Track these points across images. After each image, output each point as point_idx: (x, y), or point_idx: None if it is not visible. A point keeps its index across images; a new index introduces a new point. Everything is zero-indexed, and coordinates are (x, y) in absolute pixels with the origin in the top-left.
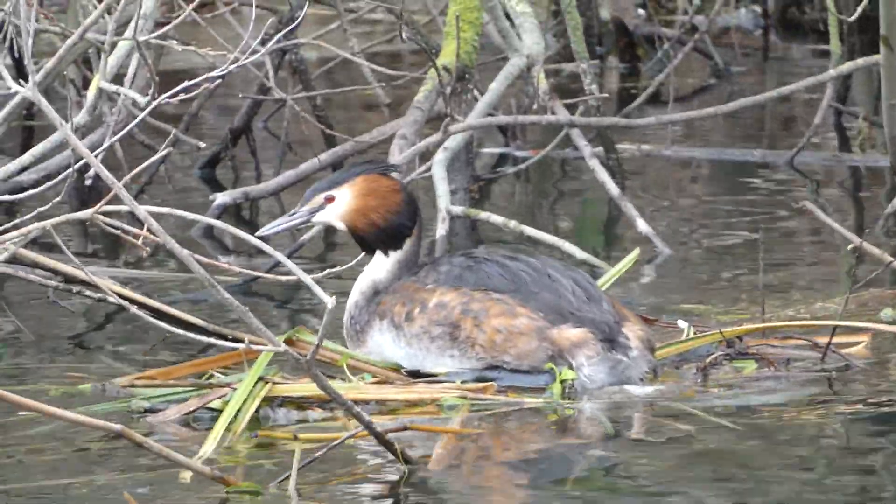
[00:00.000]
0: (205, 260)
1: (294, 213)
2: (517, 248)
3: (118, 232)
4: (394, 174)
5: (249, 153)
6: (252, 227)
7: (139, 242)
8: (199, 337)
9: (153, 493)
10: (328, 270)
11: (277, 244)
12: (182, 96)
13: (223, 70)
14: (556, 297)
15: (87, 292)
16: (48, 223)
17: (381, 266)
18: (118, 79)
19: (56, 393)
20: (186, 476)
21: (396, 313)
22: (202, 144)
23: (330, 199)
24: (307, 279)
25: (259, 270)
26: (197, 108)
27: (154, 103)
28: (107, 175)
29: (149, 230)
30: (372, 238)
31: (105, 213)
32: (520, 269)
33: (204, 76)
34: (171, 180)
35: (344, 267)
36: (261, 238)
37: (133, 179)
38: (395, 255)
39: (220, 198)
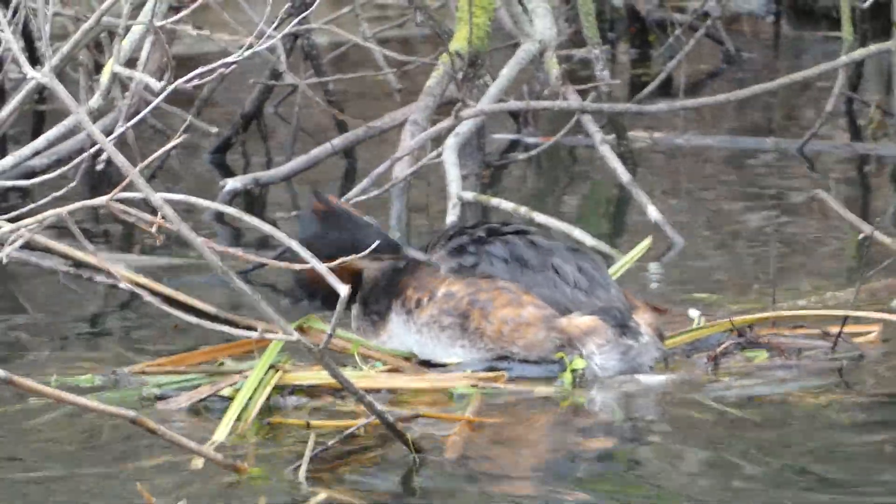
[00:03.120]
0: (218, 248)
1: None
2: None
3: (133, 219)
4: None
5: (261, 138)
6: (263, 212)
7: (153, 230)
8: (210, 325)
9: (165, 480)
10: (342, 259)
11: (288, 231)
12: (196, 81)
13: (239, 56)
14: (564, 284)
15: (99, 278)
16: (64, 210)
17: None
18: (128, 63)
19: (56, 384)
20: (198, 463)
21: (408, 297)
22: (214, 129)
23: None
24: (321, 267)
25: (268, 256)
26: (209, 93)
27: (170, 88)
28: (123, 162)
29: (163, 217)
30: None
31: (119, 200)
32: (524, 255)
33: (220, 62)
34: (182, 165)
35: (354, 256)
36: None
37: (147, 166)
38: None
39: (231, 183)
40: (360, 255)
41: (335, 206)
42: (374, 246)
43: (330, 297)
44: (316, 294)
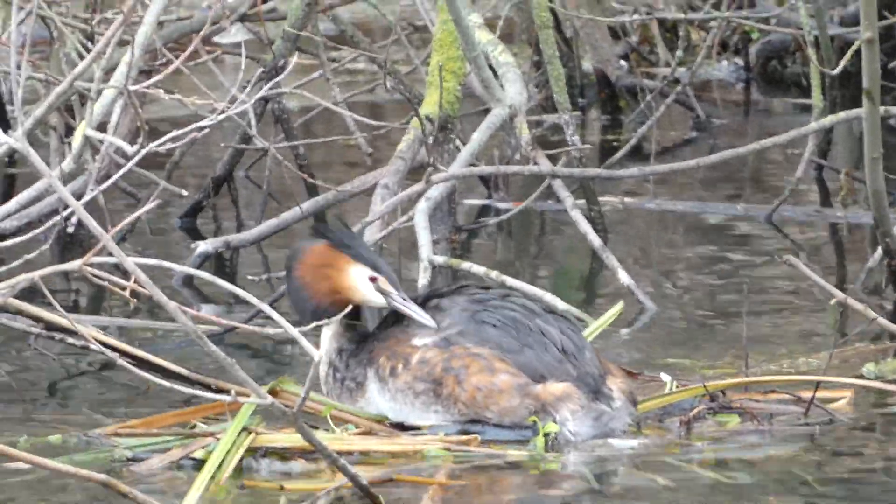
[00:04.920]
0: (192, 312)
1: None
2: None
3: (106, 283)
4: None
5: (231, 202)
6: (233, 276)
7: (127, 294)
8: (183, 388)
9: None
10: (315, 323)
11: (258, 294)
12: (168, 145)
13: (212, 121)
14: (542, 350)
15: (70, 340)
16: (36, 274)
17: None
18: (98, 127)
19: (25, 445)
20: None
21: (381, 366)
22: (184, 193)
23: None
24: (294, 331)
25: (239, 320)
26: (179, 156)
27: (143, 152)
28: (96, 227)
29: (136, 282)
30: None
31: (92, 264)
32: (509, 319)
33: (192, 126)
34: (152, 229)
35: (332, 319)
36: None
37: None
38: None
39: (202, 246)
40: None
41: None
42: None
43: (328, 312)
44: (317, 312)
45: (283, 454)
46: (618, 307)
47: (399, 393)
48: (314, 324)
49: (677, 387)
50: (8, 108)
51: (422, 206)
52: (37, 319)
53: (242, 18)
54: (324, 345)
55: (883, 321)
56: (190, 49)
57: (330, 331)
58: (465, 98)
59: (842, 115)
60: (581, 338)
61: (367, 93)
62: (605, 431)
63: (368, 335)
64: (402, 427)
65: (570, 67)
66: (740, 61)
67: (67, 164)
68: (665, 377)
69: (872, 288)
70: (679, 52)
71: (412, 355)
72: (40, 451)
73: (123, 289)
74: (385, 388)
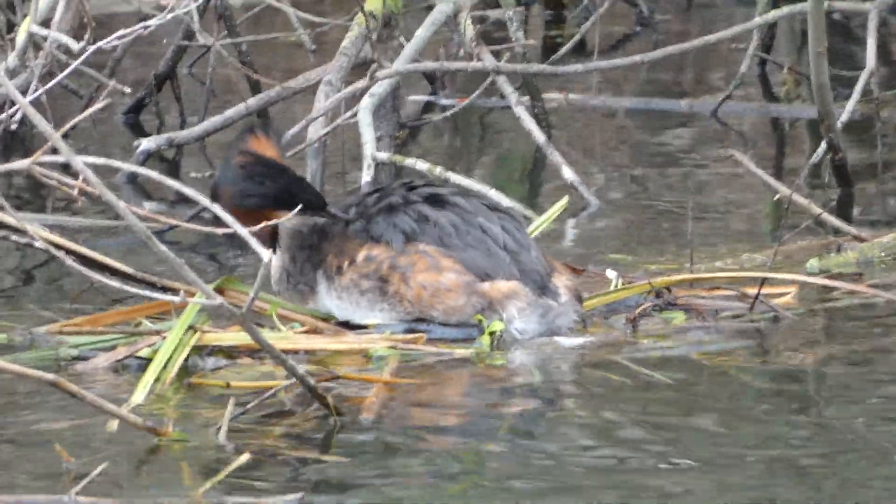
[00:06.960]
0: (140, 211)
1: None
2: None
3: (54, 183)
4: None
5: (174, 99)
6: (176, 173)
7: (75, 193)
8: (131, 288)
9: (80, 442)
10: (265, 223)
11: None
12: (115, 43)
13: (159, 19)
14: (486, 249)
15: (14, 237)
16: None
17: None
18: (42, 24)
19: None
20: (113, 425)
21: (329, 265)
22: (127, 90)
23: None
24: (242, 231)
25: (180, 217)
26: (122, 53)
27: (90, 49)
28: (45, 126)
29: (84, 181)
30: None
31: (40, 163)
32: (449, 219)
33: (139, 25)
34: (95, 126)
35: (281, 220)
36: None
37: (58, 126)
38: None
39: (145, 143)
40: (287, 210)
41: (263, 157)
42: (301, 204)
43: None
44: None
45: (230, 353)
46: (562, 202)
47: (345, 291)
48: (262, 225)
49: (623, 284)
50: None
51: (366, 103)
52: None
53: None
54: (282, 239)
55: (827, 216)
56: None
57: (287, 228)
58: None
59: (786, 9)
60: (526, 236)
61: None
62: (551, 328)
63: (322, 238)
64: (348, 326)
65: None
66: None
67: (12, 59)
68: (610, 274)
69: (816, 183)
70: None
71: (358, 252)
72: None
73: (72, 188)
74: (332, 287)
